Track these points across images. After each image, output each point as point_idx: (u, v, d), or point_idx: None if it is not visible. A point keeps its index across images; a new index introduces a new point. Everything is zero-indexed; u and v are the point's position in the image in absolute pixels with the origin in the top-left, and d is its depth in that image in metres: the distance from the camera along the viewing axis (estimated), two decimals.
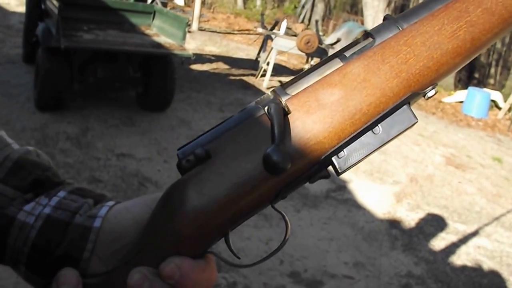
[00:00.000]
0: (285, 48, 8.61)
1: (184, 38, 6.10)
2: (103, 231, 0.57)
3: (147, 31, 6.71)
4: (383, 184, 5.62)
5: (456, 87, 16.40)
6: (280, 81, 9.44)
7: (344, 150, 0.53)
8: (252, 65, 9.91)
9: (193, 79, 8.25)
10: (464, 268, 4.14)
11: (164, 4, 11.67)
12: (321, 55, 8.78)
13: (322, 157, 0.52)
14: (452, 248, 4.44)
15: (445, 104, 11.57)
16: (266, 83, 8.70)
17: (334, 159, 0.53)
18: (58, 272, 0.52)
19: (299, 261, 3.68)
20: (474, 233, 4.83)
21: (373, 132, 0.53)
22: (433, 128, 8.85)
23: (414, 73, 0.52)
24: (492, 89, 15.94)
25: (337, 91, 0.52)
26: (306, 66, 10.14)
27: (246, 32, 15.06)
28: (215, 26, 15.19)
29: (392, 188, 5.55)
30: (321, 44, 8.54)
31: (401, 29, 0.54)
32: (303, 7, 17.31)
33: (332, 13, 24.21)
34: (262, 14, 10.38)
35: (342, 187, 5.25)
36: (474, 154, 7.85)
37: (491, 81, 25.65)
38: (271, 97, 0.53)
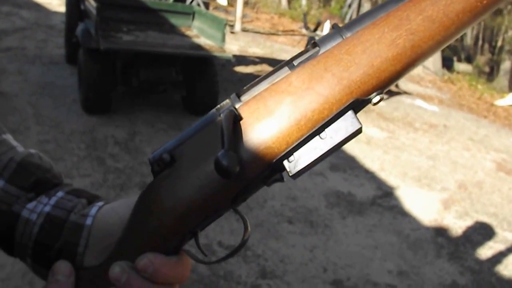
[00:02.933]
0: None
1: (223, 39, 6.23)
2: (94, 229, 0.66)
3: (187, 32, 6.86)
4: (431, 190, 5.67)
5: (510, 89, 16.14)
6: None
7: (294, 154, 0.56)
8: None
9: (238, 82, 8.41)
10: (511, 279, 4.19)
11: (206, 4, 11.83)
12: None
13: (273, 161, 0.56)
14: (500, 257, 4.48)
15: (497, 107, 11.45)
16: None
17: (285, 163, 0.57)
18: (53, 265, 0.60)
19: (342, 269, 3.80)
20: None
21: (320, 137, 0.56)
22: (484, 132, 8.80)
23: (355, 80, 0.55)
24: None
25: (283, 98, 0.56)
26: None
27: (291, 33, 15.15)
28: (259, 27, 15.33)
29: (440, 194, 5.60)
30: None
31: (344, 38, 0.57)
32: (349, 6, 17.28)
33: None
34: (305, 15, 10.49)
35: (389, 193, 5.33)
36: None
37: None
38: (228, 104, 0.59)
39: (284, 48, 12.71)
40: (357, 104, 0.56)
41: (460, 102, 10.77)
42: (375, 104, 0.57)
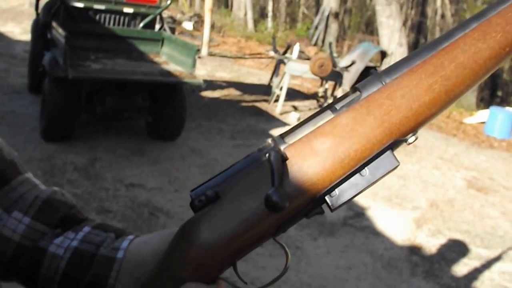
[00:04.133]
0: (298, 72, 8.76)
1: (194, 65, 6.23)
2: (125, 261, 0.69)
3: (156, 59, 6.87)
4: (403, 209, 5.69)
5: (478, 107, 16.43)
6: (294, 106, 9.57)
7: (336, 190, 0.62)
8: (265, 90, 10.06)
9: (204, 107, 8.40)
10: None
11: (172, 29, 11.86)
12: (336, 78, 8.91)
13: (317, 196, 0.61)
14: (475, 274, 4.50)
15: (466, 125, 11.62)
16: (279, 108, 8.82)
17: (327, 197, 0.62)
18: None
19: None
20: (498, 258, 4.88)
21: (360, 174, 0.62)
22: (454, 150, 8.91)
23: (395, 123, 0.61)
24: None
25: (328, 139, 0.61)
26: (321, 90, 10.27)
27: (258, 56, 15.26)
28: (226, 51, 15.40)
29: (412, 213, 5.62)
30: (335, 67, 8.68)
31: (384, 84, 0.63)
32: (316, 28, 17.50)
33: (347, 33, 24.43)
34: (274, 38, 10.56)
35: (360, 213, 5.33)
36: (497, 177, 7.89)
37: None
38: (272, 145, 0.63)
39: (251, 71, 12.78)
40: (395, 144, 0.63)
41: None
42: (409, 143, 0.64)
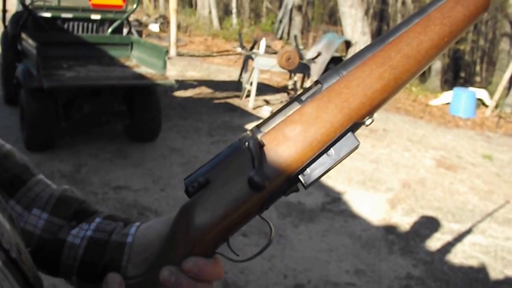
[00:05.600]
0: (267, 66, 8.90)
1: (165, 67, 6.33)
2: (134, 245, 0.79)
3: (127, 63, 6.93)
4: (377, 192, 5.90)
5: (442, 89, 16.74)
6: (265, 100, 9.72)
7: (307, 169, 0.70)
8: (236, 86, 10.19)
9: (178, 106, 8.51)
10: (461, 265, 4.42)
11: (139, 32, 11.89)
12: (304, 70, 9.07)
13: (292, 176, 0.69)
14: (448, 247, 4.72)
15: (432, 107, 11.89)
16: (251, 103, 8.95)
17: (300, 176, 0.70)
18: (105, 276, 0.71)
19: (302, 274, 3.94)
20: (469, 231, 5.12)
21: (327, 154, 0.70)
22: (422, 132, 9.16)
23: (353, 108, 0.69)
24: (479, 86, 16.30)
25: (297, 126, 0.69)
26: (290, 82, 10.42)
27: (226, 53, 15.37)
28: (193, 50, 15.48)
29: (386, 195, 5.82)
30: (302, 60, 8.84)
31: (341, 76, 0.71)
32: (280, 22, 17.65)
33: (311, 25, 24.59)
34: (240, 34, 10.66)
35: (337, 198, 5.52)
36: (464, 154, 8.15)
37: (478, 79, 26.03)
38: (250, 135, 0.71)
39: (220, 69, 12.89)
40: (355, 127, 0.71)
41: (397, 105, 11.14)
42: (367, 125, 0.72)
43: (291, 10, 17.86)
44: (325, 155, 0.70)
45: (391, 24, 28.13)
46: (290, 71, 9.33)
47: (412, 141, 8.32)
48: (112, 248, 0.79)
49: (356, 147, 0.71)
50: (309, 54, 9.70)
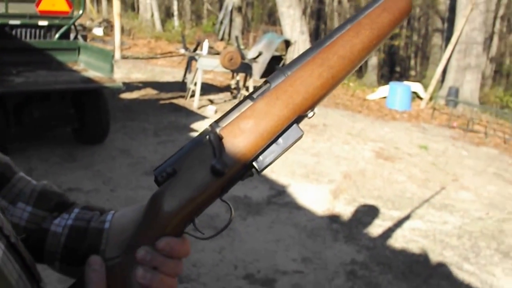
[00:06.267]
0: (210, 67, 8.94)
1: (112, 70, 6.31)
2: (111, 230, 0.86)
3: (75, 67, 6.87)
4: (319, 184, 6.02)
5: (379, 83, 17.11)
6: (209, 100, 9.75)
7: (260, 156, 0.77)
8: (180, 87, 10.18)
9: (125, 108, 8.46)
10: (402, 249, 4.58)
11: (84, 37, 11.73)
12: (246, 70, 9.15)
13: (247, 163, 0.77)
14: (389, 233, 4.88)
15: (369, 101, 12.17)
16: (196, 103, 8.97)
17: (254, 163, 0.77)
18: (88, 259, 0.78)
19: (251, 264, 4.01)
20: (408, 217, 5.30)
21: (276, 143, 0.78)
22: (361, 125, 9.37)
23: (297, 103, 0.77)
24: (414, 80, 16.74)
25: (250, 121, 0.77)
26: (233, 82, 10.49)
27: (169, 55, 15.32)
28: (137, 53, 15.37)
29: (328, 186, 5.96)
30: (244, 59, 8.92)
31: (286, 76, 0.79)
32: (221, 23, 17.69)
33: (251, 25, 24.72)
34: (183, 36, 10.66)
35: (282, 192, 5.61)
36: (401, 145, 8.39)
37: (412, 73, 26.71)
38: (210, 129, 0.78)
39: (165, 70, 12.84)
40: (299, 119, 0.79)
41: (335, 101, 11.36)
42: (310, 117, 0.80)
43: (231, 11, 17.93)
44: (274, 144, 0.78)
45: (328, 23, 28.55)
46: (233, 71, 9.40)
47: (351, 135, 8.51)
48: (91, 234, 0.85)
49: (301, 137, 0.79)
50: (250, 54, 9.79)
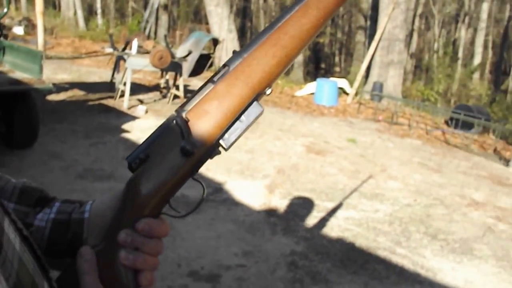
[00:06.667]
0: (140, 66, 8.88)
1: (41, 71, 6.14)
2: (91, 219, 0.89)
3: (0, 69, 6.69)
4: (255, 179, 6.13)
5: (306, 80, 17.43)
6: (139, 100, 9.68)
7: (226, 134, 0.81)
8: (108, 87, 10.06)
9: (52, 110, 8.27)
10: (338, 238, 4.75)
11: (5, 36, 11.38)
12: (175, 68, 9.15)
13: (214, 142, 0.81)
14: (325, 223, 5.05)
15: (298, 97, 12.40)
16: (126, 103, 8.89)
17: (221, 141, 0.81)
18: (78, 250, 0.81)
19: (194, 261, 4.06)
20: (342, 207, 5.50)
21: (240, 121, 0.82)
22: (291, 121, 9.56)
23: (256, 82, 0.82)
24: (339, 76, 17.15)
25: (214, 102, 0.81)
26: (162, 81, 10.46)
27: (94, 54, 15.07)
28: (62, 52, 15.04)
29: (263, 181, 6.08)
30: (174, 58, 8.92)
31: (243, 58, 0.83)
32: (147, 21, 17.53)
33: (177, 23, 24.61)
34: (111, 35, 10.52)
35: (219, 189, 5.68)
36: (331, 139, 8.64)
37: (337, 69, 27.32)
38: (176, 114, 0.81)
39: (91, 70, 12.62)
40: (258, 96, 0.84)
41: (265, 98, 11.44)
42: (267, 95, 0.86)
43: (157, 10, 17.79)
44: (238, 122, 0.82)
45: (254, 21, 28.76)
46: (163, 70, 9.38)
47: (282, 131, 8.68)
48: (73, 225, 0.88)
49: (261, 113, 0.84)
50: (178, 53, 9.79)
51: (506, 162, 9.05)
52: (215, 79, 0.84)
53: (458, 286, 4.24)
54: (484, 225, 5.67)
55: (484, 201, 6.56)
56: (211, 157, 0.83)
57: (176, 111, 0.82)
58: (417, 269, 4.40)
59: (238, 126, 0.83)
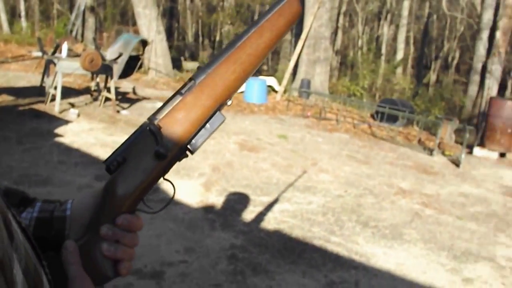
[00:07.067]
0: (71, 70, 8.76)
1: None
2: (72, 216, 0.95)
3: None
4: (191, 178, 6.22)
5: None
6: (70, 103, 9.54)
7: (193, 140, 0.90)
8: (38, 92, 9.84)
9: None
10: (275, 230, 4.92)
11: None
12: (106, 71, 9.06)
13: (183, 146, 0.89)
14: (262, 217, 5.20)
15: None
16: (57, 107, 8.73)
17: (189, 146, 0.90)
18: (63, 244, 0.86)
19: (138, 260, 4.12)
20: (277, 201, 5.68)
21: (205, 128, 0.91)
22: None
23: (219, 95, 0.91)
24: (267, 74, 17.36)
25: (182, 111, 0.89)
26: (93, 84, 10.36)
27: (21, 58, 14.70)
28: None
29: (199, 180, 6.17)
30: (105, 61, 8.86)
31: (207, 73, 0.92)
32: (73, 24, 17.23)
33: (103, 25, 24.24)
34: (39, 39, 10.31)
35: (156, 189, 5.56)
36: (262, 136, 8.82)
37: (265, 67, 27.53)
38: (148, 122, 0.89)
39: (18, 75, 12.29)
40: (221, 107, 0.93)
41: None
42: (229, 105, 0.96)
43: (83, 12, 17.51)
44: (203, 129, 0.91)
45: (181, 21, 28.68)
46: (93, 73, 9.29)
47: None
48: (56, 222, 0.95)
49: (223, 121, 0.94)
50: (108, 55, 9.70)
51: (430, 151, 9.50)
52: (182, 91, 0.92)
53: (390, 269, 4.49)
54: (412, 211, 5.99)
55: (411, 189, 6.90)
56: (180, 160, 0.93)
57: (149, 119, 0.90)
58: (351, 255, 4.62)
59: (203, 133, 0.92)
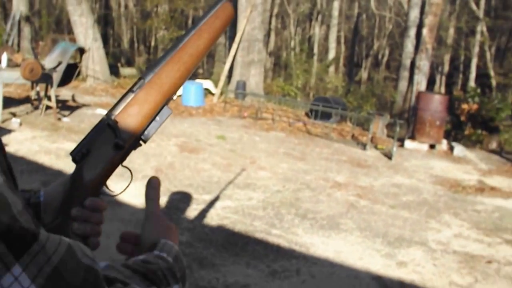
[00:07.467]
0: (11, 80, 8.65)
1: None
2: (45, 202, 1.02)
3: None
4: (135, 180, 6.08)
5: None
6: (12, 113, 9.43)
7: (145, 131, 1.00)
8: None
9: None
10: (218, 225, 5.12)
11: None
12: (46, 80, 9.00)
13: (137, 137, 0.99)
14: (205, 214, 5.38)
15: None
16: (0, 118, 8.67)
17: (142, 136, 1.00)
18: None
19: None
20: (218, 198, 5.87)
21: (155, 120, 1.01)
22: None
23: (166, 91, 1.00)
24: (203, 78, 17.49)
25: (135, 107, 0.98)
26: (33, 93, 10.25)
27: None
28: None
29: (143, 182, 6.12)
30: (44, 70, 8.82)
31: (155, 72, 1.01)
32: (9, 35, 16.87)
33: (39, 34, 23.77)
34: None
35: (101, 192, 5.81)
36: (201, 138, 8.98)
37: (200, 71, 27.58)
38: (106, 118, 0.97)
39: None
40: (168, 101, 1.04)
41: None
42: (174, 99, 1.18)
43: (19, 21, 17.17)
44: (154, 121, 1.02)
45: (116, 28, 28.41)
46: (34, 82, 9.22)
47: (155, 133, 8.84)
48: (33, 209, 1.04)
49: (170, 113, 1.05)
50: (46, 64, 9.62)
51: (363, 146, 9.89)
52: (134, 89, 1.01)
53: (329, 257, 4.74)
54: (347, 202, 6.31)
55: (346, 182, 7.23)
56: (135, 149, 1.04)
57: (106, 115, 0.99)
58: (292, 246, 4.86)
59: (154, 125, 1.03)
